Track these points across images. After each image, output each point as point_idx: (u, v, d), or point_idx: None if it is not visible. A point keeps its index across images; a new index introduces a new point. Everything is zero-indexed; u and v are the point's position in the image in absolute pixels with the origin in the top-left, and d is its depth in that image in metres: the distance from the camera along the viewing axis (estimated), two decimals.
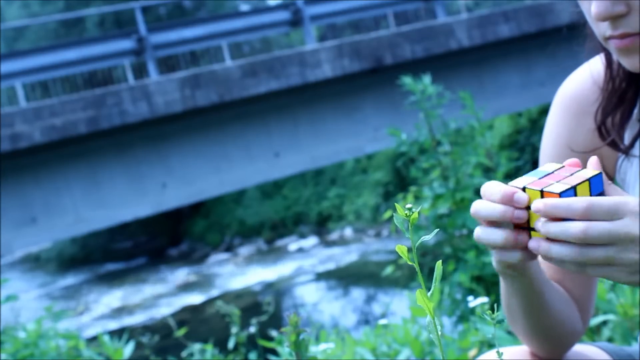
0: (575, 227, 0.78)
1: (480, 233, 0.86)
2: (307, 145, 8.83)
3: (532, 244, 0.82)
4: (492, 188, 0.84)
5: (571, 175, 0.83)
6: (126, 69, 11.52)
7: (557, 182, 0.82)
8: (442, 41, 9.29)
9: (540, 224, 0.81)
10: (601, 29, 0.95)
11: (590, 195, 0.82)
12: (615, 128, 1.07)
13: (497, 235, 0.84)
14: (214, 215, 21.07)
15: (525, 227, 0.84)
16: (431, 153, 3.30)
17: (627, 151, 1.06)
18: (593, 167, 0.84)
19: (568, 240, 0.79)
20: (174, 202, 8.40)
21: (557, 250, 0.80)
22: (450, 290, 3.12)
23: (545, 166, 0.87)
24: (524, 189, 0.83)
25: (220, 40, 10.24)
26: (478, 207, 0.85)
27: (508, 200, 0.82)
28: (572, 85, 1.15)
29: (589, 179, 0.82)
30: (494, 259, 0.91)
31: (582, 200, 0.78)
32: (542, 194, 0.81)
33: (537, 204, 0.80)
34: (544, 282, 1.01)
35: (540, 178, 0.84)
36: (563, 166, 0.86)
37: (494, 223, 0.85)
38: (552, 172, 0.85)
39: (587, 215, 0.78)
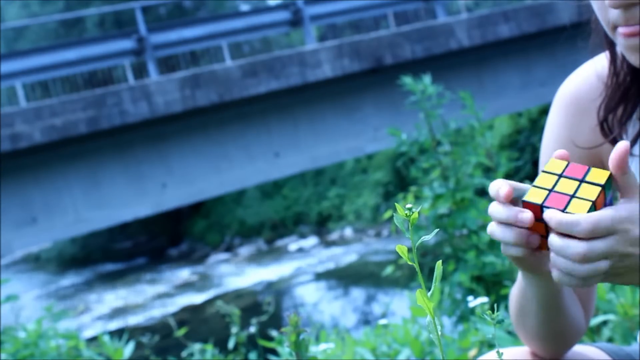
0: (575, 249, 0.79)
1: (494, 229, 0.87)
2: (307, 145, 8.83)
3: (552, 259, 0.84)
4: (496, 184, 0.86)
5: (582, 180, 0.83)
6: (126, 69, 11.52)
7: (574, 196, 0.82)
8: (442, 41, 9.28)
9: (549, 238, 0.82)
10: (611, 17, 0.94)
11: (605, 200, 0.83)
12: (617, 125, 1.07)
13: (510, 235, 0.85)
14: (214, 215, 21.07)
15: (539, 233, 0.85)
16: (431, 153, 3.30)
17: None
18: (616, 161, 0.83)
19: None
20: (174, 202, 8.40)
21: (560, 262, 0.82)
22: (450, 290, 3.12)
23: (550, 163, 0.86)
24: (541, 208, 0.83)
25: (220, 40, 10.24)
26: (494, 209, 0.86)
27: (513, 220, 0.84)
28: (573, 84, 1.14)
29: (602, 186, 0.82)
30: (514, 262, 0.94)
31: (586, 222, 0.79)
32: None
33: (548, 217, 0.81)
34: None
35: (553, 189, 0.83)
36: (568, 163, 0.85)
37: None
38: (562, 175, 0.84)
39: (592, 235, 0.79)
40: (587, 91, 1.12)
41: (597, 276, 0.82)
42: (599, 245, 0.79)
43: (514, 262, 0.93)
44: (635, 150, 1.07)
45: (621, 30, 0.93)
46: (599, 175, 0.83)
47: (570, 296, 1.08)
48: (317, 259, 15.68)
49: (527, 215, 0.83)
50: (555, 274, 0.83)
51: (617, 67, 1.06)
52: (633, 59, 0.95)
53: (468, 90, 3.66)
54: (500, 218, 0.85)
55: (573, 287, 0.84)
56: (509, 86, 10.02)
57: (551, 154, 1.15)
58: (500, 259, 3.03)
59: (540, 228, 0.84)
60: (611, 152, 1.10)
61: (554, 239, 0.81)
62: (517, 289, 1.08)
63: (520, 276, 1.03)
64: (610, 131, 1.08)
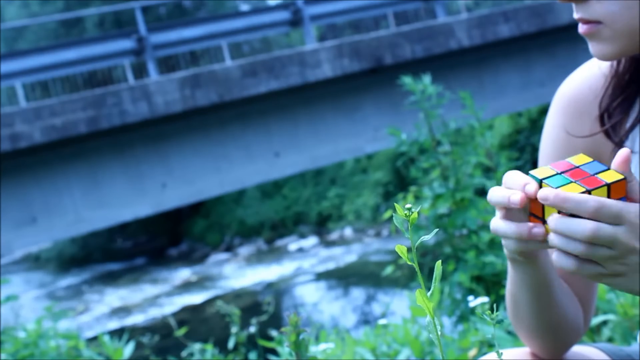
0: (585, 227, 0.79)
1: (495, 225, 0.87)
2: (307, 145, 8.83)
3: (550, 237, 0.83)
4: (510, 176, 0.86)
5: (594, 174, 0.82)
6: (126, 69, 11.52)
7: (576, 181, 0.81)
8: (442, 41, 9.29)
9: (551, 220, 0.81)
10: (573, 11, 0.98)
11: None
12: (614, 120, 1.08)
13: (510, 229, 0.85)
14: (214, 215, 21.08)
15: (540, 217, 0.84)
16: (431, 153, 3.30)
17: (619, 143, 1.06)
18: (618, 165, 0.82)
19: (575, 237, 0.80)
20: (174, 202, 8.40)
21: (564, 244, 0.81)
22: (450, 290, 3.12)
23: (576, 157, 0.86)
24: (541, 182, 0.82)
25: (220, 40, 10.24)
26: (493, 193, 0.86)
27: (519, 188, 0.83)
28: (572, 85, 1.14)
29: (608, 184, 0.80)
30: (504, 247, 0.94)
31: (594, 200, 0.78)
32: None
33: (546, 193, 0.80)
34: (553, 273, 1.01)
35: (562, 172, 0.83)
36: (593, 161, 0.84)
37: (508, 212, 0.86)
38: (578, 167, 0.84)
39: (596, 216, 0.78)
40: (587, 92, 1.12)
41: (597, 267, 0.81)
42: (607, 228, 0.78)
43: (512, 252, 0.93)
44: (636, 147, 1.07)
45: (579, 27, 0.97)
46: (612, 176, 0.82)
47: (564, 290, 1.07)
48: (317, 259, 15.68)
49: (532, 186, 0.82)
50: (555, 257, 0.83)
51: (619, 64, 1.07)
52: (592, 51, 0.98)
53: (468, 90, 3.66)
54: (505, 196, 0.83)
55: (571, 271, 0.82)
56: (509, 86, 10.02)
57: (549, 155, 1.15)
58: (500, 259, 3.03)
59: (539, 210, 0.84)
60: (611, 149, 1.10)
61: (560, 220, 0.80)
62: (509, 283, 1.08)
63: (509, 266, 1.02)
64: (610, 120, 1.09)
